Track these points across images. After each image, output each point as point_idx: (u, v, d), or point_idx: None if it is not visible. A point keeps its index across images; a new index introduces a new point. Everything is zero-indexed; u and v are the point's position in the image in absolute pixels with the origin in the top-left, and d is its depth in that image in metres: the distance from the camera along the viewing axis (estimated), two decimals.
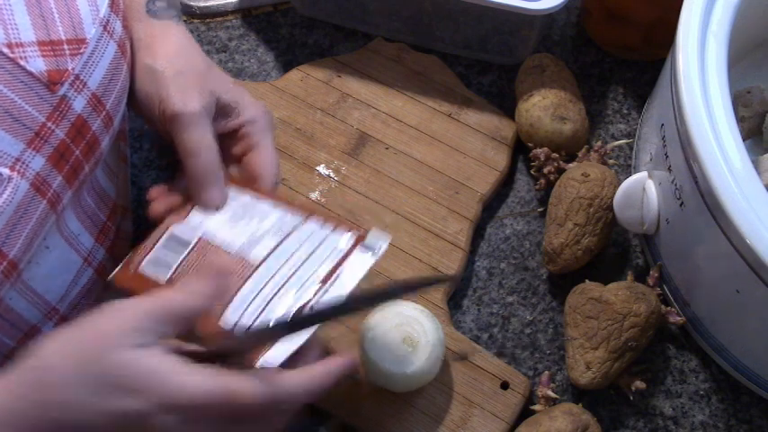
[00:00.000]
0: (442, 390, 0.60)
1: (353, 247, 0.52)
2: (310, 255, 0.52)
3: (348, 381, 0.60)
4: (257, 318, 0.49)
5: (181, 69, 0.54)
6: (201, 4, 0.77)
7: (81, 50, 0.49)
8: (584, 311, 0.60)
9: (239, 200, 0.55)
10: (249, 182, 0.56)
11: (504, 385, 0.60)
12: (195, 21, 0.76)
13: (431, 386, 0.60)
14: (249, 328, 0.49)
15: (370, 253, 0.51)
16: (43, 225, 0.49)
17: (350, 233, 0.52)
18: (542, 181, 0.67)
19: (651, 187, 0.60)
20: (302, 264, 0.51)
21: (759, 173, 0.54)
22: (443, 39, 0.73)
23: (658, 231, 0.61)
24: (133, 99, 0.55)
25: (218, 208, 0.54)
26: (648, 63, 0.74)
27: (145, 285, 0.52)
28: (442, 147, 0.69)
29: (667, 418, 0.61)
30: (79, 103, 0.49)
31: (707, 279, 0.58)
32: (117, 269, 0.53)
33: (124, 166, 0.64)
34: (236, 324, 0.48)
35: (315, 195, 0.67)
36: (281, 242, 0.52)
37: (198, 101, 0.53)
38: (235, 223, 0.54)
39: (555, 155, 0.66)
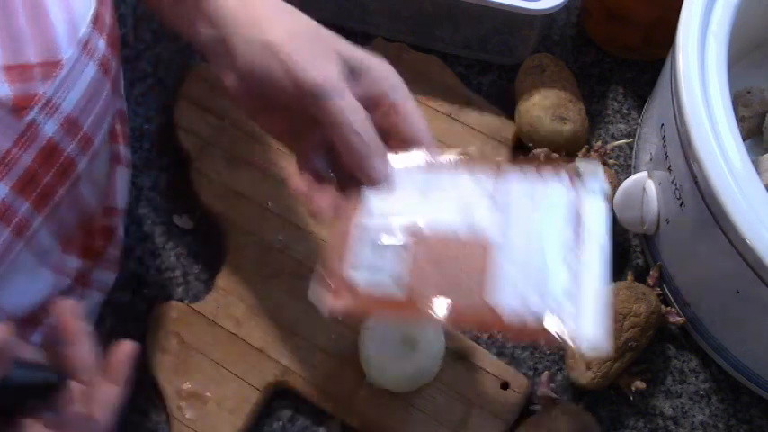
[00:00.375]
0: (441, 390, 0.60)
1: (574, 190, 0.45)
2: (541, 216, 0.45)
3: (350, 381, 0.60)
4: (534, 295, 0.42)
5: (299, 36, 0.49)
6: None
7: (54, 74, 0.46)
8: None
9: (409, 171, 0.48)
10: (401, 148, 0.48)
11: (504, 385, 0.60)
12: None
13: (431, 386, 0.60)
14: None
15: (595, 192, 0.45)
16: (8, 252, 0.47)
17: (561, 175, 0.46)
18: None
19: (651, 187, 0.60)
20: (542, 228, 0.44)
21: (759, 173, 0.54)
22: (443, 39, 0.73)
23: (658, 231, 0.61)
24: (235, 78, 0.51)
25: (388, 183, 0.48)
26: (648, 63, 0.74)
27: (371, 301, 0.44)
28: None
29: (667, 418, 0.61)
30: (50, 128, 0.47)
31: (707, 279, 0.58)
32: (320, 298, 0.46)
33: (117, 166, 0.62)
34: (512, 307, 0.42)
35: None
36: (500, 209, 0.45)
37: (333, 67, 0.48)
38: (430, 199, 0.46)
39: (555, 155, 0.66)
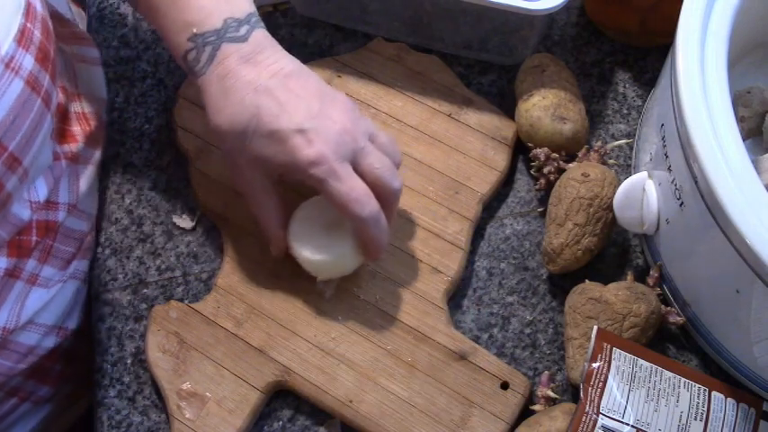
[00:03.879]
0: (442, 390, 0.60)
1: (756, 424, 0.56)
2: None
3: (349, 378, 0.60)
4: None
5: (310, 124, 0.55)
6: None
7: None
8: (584, 311, 0.60)
9: (644, 370, 0.57)
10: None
11: (504, 385, 0.60)
12: None
13: (431, 386, 0.60)
14: None
15: None
16: None
17: (749, 408, 0.56)
18: (542, 181, 0.66)
19: (651, 187, 0.60)
20: None
21: (759, 173, 0.54)
22: (443, 39, 0.73)
23: (658, 231, 0.61)
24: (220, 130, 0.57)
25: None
26: (649, 63, 0.74)
27: None
28: (442, 147, 0.69)
29: None
30: None
31: (707, 279, 0.58)
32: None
33: (62, 166, 0.61)
34: None
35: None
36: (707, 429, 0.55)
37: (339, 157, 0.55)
38: (656, 405, 0.55)
39: (555, 155, 0.66)
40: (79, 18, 0.79)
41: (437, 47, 0.74)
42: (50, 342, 0.63)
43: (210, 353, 0.61)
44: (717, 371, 0.62)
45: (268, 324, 0.62)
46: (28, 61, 0.49)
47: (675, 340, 0.64)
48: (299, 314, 0.63)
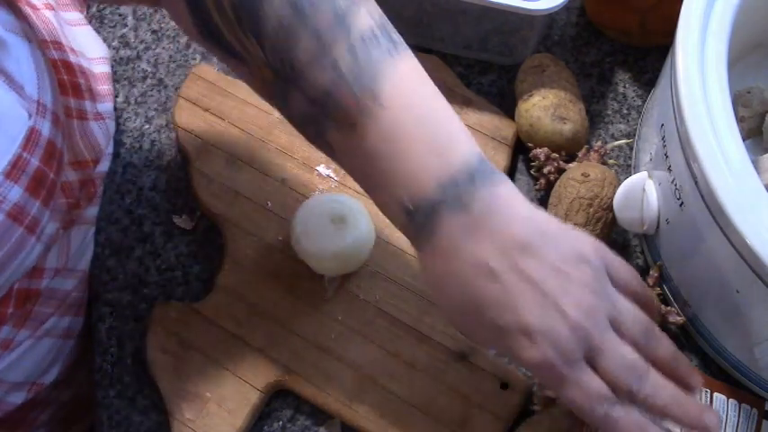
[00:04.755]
0: (441, 390, 0.60)
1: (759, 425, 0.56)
2: None
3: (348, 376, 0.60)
4: None
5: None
6: None
7: None
8: None
9: None
10: None
11: (504, 385, 0.60)
12: None
13: (431, 386, 0.60)
14: None
15: None
16: None
17: (751, 409, 0.57)
18: (542, 181, 0.66)
19: (651, 187, 0.60)
20: None
21: (759, 173, 0.54)
22: (443, 39, 0.73)
23: (658, 231, 0.61)
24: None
25: None
26: (649, 63, 0.74)
27: None
28: None
29: None
30: None
31: (707, 279, 0.58)
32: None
33: (71, 121, 0.60)
34: None
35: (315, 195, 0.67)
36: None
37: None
38: None
39: (555, 155, 0.66)
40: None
41: (437, 47, 0.74)
42: (18, 398, 0.62)
43: (210, 353, 0.61)
44: (717, 371, 0.62)
45: (268, 324, 0.62)
46: (15, 193, 0.48)
47: (675, 340, 0.64)
48: (299, 314, 0.63)
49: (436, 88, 0.49)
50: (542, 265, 0.46)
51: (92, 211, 0.65)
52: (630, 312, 0.48)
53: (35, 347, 0.61)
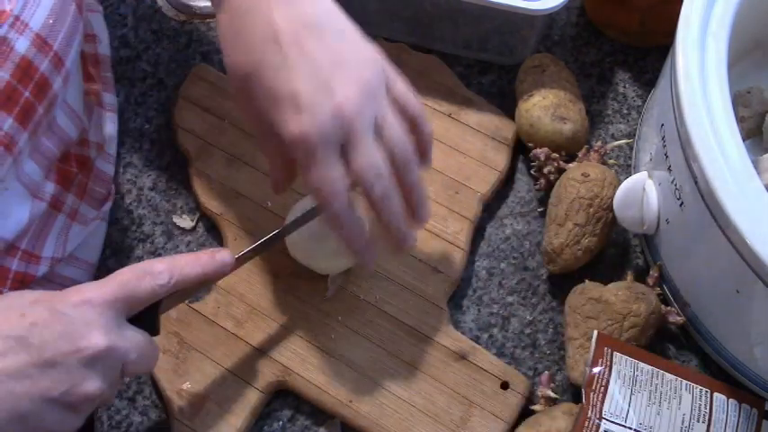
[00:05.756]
0: (441, 390, 0.60)
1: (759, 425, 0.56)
2: None
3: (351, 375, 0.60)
4: None
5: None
6: (201, 4, 0.77)
7: None
8: (584, 311, 0.60)
9: (645, 374, 0.57)
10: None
11: (504, 385, 0.60)
12: (195, 21, 0.76)
13: (431, 386, 0.60)
14: None
15: None
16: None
17: (751, 409, 0.57)
18: (542, 181, 0.66)
19: (651, 187, 0.60)
20: None
21: (759, 173, 0.54)
22: (443, 39, 0.73)
23: (658, 231, 0.61)
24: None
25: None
26: (649, 63, 0.74)
27: None
28: (442, 147, 0.69)
29: None
30: (22, 45, 0.49)
31: (707, 279, 0.58)
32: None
33: (96, 108, 0.64)
34: None
35: None
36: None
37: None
38: (658, 408, 0.55)
39: (555, 155, 0.66)
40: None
41: (437, 47, 0.74)
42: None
43: (210, 353, 0.61)
44: (717, 371, 0.62)
45: (268, 324, 0.62)
46: None
47: (675, 340, 0.64)
48: (299, 314, 0.63)
49: None
50: (324, 46, 0.49)
51: (91, 213, 0.65)
52: (395, 127, 0.51)
53: (98, 229, 0.64)
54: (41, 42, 0.51)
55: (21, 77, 0.50)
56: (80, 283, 0.52)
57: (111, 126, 0.68)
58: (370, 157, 0.50)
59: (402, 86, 0.53)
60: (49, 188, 0.58)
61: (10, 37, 0.49)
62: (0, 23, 0.48)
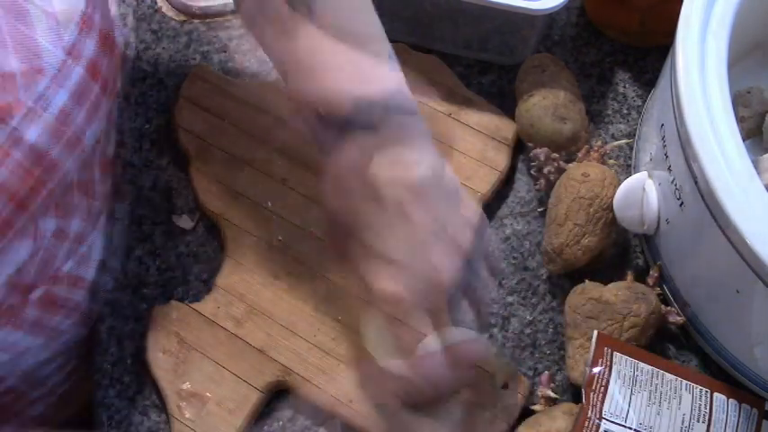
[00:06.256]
0: None
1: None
2: None
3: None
4: None
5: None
6: (201, 4, 0.77)
7: (37, 80, 0.47)
8: (584, 311, 0.60)
9: (645, 374, 0.57)
10: None
11: (505, 385, 0.60)
12: (195, 21, 0.76)
13: None
14: None
15: None
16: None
17: (751, 409, 0.57)
18: (542, 181, 0.66)
19: (651, 187, 0.60)
20: None
21: (759, 173, 0.54)
22: (443, 39, 0.73)
23: (658, 231, 0.61)
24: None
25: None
26: (649, 63, 0.74)
27: None
28: (442, 147, 0.68)
29: None
30: (33, 133, 0.47)
31: (707, 279, 0.58)
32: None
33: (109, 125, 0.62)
34: None
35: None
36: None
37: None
38: (658, 408, 0.55)
39: (555, 155, 0.66)
40: None
41: (437, 47, 0.74)
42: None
43: (210, 353, 0.61)
44: (717, 371, 0.62)
45: (268, 324, 0.62)
46: (89, 44, 0.49)
47: (675, 340, 0.64)
48: (299, 314, 0.63)
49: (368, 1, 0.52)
50: (426, 214, 0.48)
51: (120, 211, 0.66)
52: (480, 290, 0.51)
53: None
54: (55, 128, 0.48)
55: (30, 165, 0.47)
56: (112, 293, 0.54)
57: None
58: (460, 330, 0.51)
59: (488, 242, 0.53)
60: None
61: (21, 127, 0.46)
62: (11, 115, 0.46)
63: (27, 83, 0.46)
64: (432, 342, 0.51)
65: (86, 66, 0.49)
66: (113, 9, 0.60)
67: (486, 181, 0.67)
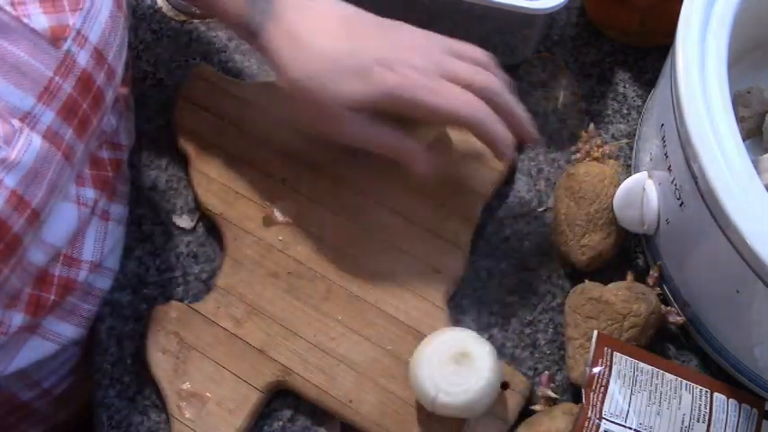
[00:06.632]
0: None
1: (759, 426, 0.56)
2: None
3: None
4: None
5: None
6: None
7: (80, 6, 0.50)
8: (584, 311, 0.60)
9: (645, 374, 0.57)
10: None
11: (504, 385, 0.60)
12: (195, 21, 0.76)
13: None
14: None
15: None
16: (61, 176, 0.51)
17: (751, 409, 0.57)
18: (542, 181, 0.66)
19: (651, 187, 0.60)
20: None
21: (759, 173, 0.54)
22: None
23: (658, 231, 0.61)
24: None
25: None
26: (649, 63, 0.74)
27: None
28: (442, 147, 0.68)
29: None
30: (83, 58, 0.50)
31: (707, 279, 0.58)
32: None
33: (121, 106, 0.64)
34: None
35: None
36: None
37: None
38: (658, 408, 0.55)
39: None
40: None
41: None
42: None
43: (210, 353, 0.61)
44: (717, 371, 0.62)
45: (268, 324, 0.62)
46: (47, 116, 0.50)
47: (675, 340, 0.64)
48: (299, 314, 0.63)
49: None
50: (370, 25, 0.58)
51: (118, 213, 0.65)
52: (466, 46, 0.59)
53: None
54: (98, 55, 0.52)
55: (81, 91, 0.51)
56: (110, 293, 0.55)
57: (129, 124, 0.68)
58: (469, 66, 0.58)
59: (465, 47, 0.60)
60: (90, 193, 0.58)
61: (73, 51, 0.49)
62: (64, 38, 0.49)
63: (71, 7, 0.50)
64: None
65: (44, 134, 0.50)
66: None
67: (486, 181, 0.67)
